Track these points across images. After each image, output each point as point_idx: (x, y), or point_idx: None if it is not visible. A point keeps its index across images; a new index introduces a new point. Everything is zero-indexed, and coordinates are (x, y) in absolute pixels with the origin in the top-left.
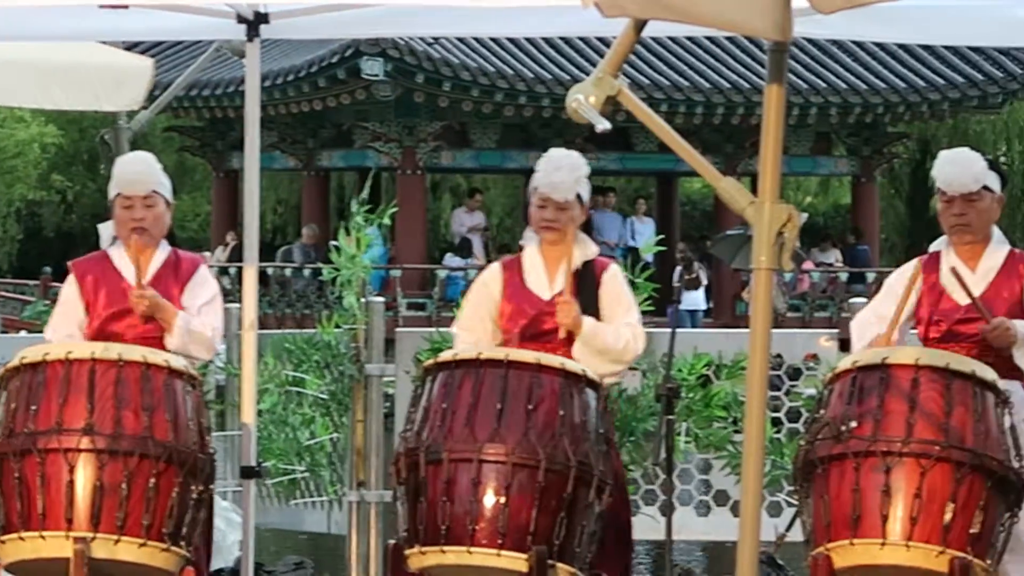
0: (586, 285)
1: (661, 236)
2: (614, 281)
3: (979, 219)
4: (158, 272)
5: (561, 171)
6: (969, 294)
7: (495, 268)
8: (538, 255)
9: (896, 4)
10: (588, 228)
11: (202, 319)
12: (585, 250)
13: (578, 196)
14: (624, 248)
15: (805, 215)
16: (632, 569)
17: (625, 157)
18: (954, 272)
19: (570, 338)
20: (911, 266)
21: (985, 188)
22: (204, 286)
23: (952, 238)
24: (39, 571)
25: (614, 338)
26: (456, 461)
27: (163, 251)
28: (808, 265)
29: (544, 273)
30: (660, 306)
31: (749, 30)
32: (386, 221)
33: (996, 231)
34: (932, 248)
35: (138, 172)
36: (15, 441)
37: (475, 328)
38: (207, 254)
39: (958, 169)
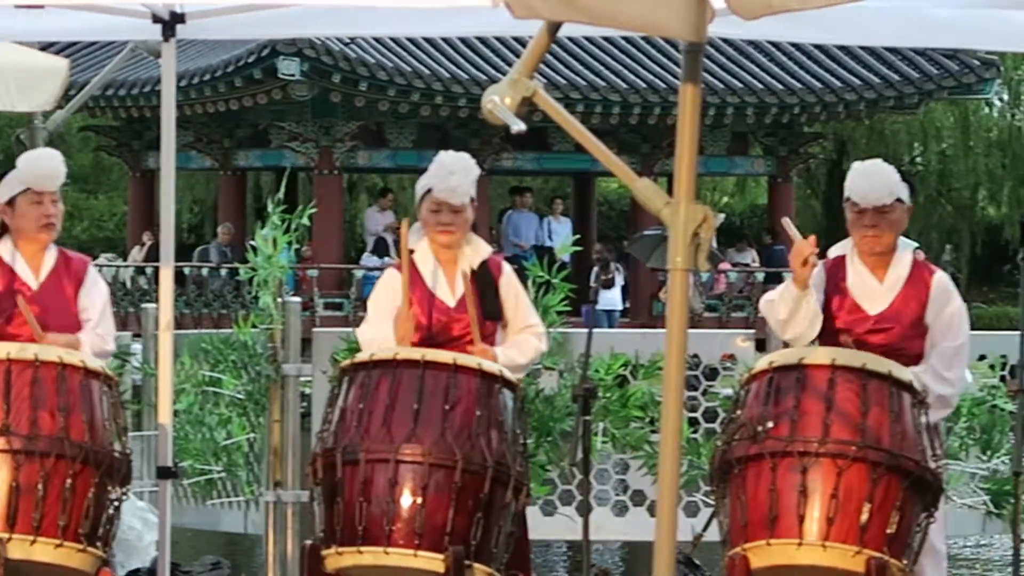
0: (485, 287)
1: (577, 236)
2: (511, 282)
3: (890, 230)
4: (52, 272)
5: (456, 175)
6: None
7: (392, 274)
8: (432, 257)
9: (813, 4)
10: (486, 229)
11: (101, 333)
12: (478, 250)
13: (471, 198)
14: (535, 246)
15: (722, 215)
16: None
17: (542, 157)
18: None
19: (484, 339)
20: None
21: (898, 200)
22: (97, 287)
23: (861, 247)
24: None
25: (524, 354)
26: (373, 461)
27: (52, 251)
28: (725, 265)
29: (443, 278)
30: (577, 306)
31: (663, 31)
32: (305, 222)
33: (900, 239)
34: (833, 252)
35: (51, 168)
36: None
37: (383, 324)
38: (110, 255)
39: (873, 182)
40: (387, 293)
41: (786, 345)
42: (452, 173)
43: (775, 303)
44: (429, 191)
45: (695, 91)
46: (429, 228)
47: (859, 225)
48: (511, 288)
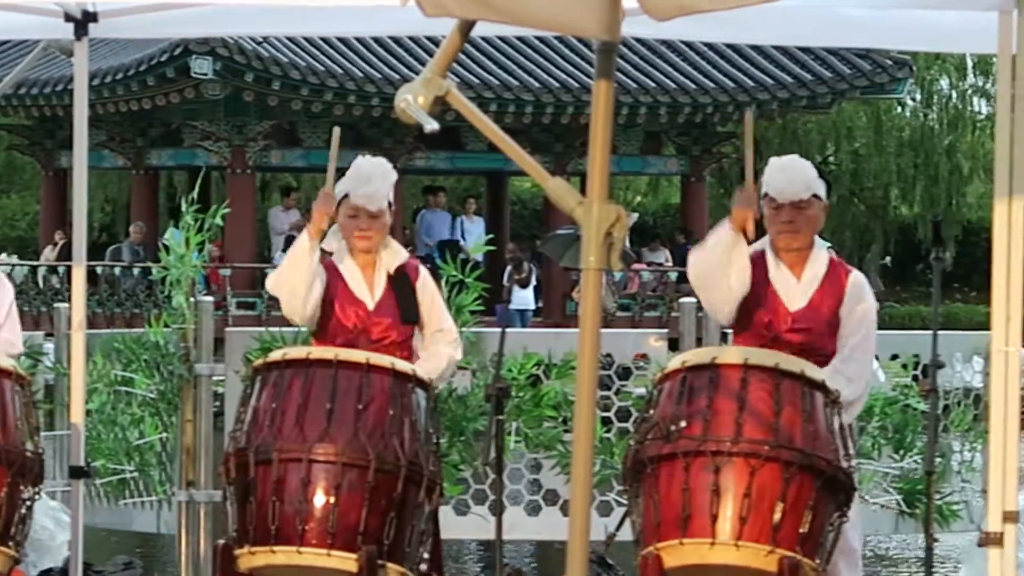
0: (403, 290)
1: (491, 236)
2: (427, 285)
3: (807, 226)
4: None
5: (373, 180)
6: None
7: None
8: (351, 261)
9: (726, 4)
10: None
11: (7, 336)
12: (395, 253)
13: (388, 203)
14: (444, 241)
15: (635, 215)
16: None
17: (455, 156)
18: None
19: (402, 342)
20: None
21: (815, 196)
22: (3, 288)
23: (778, 243)
24: None
25: (438, 366)
26: (286, 461)
27: None
28: (639, 265)
29: (363, 281)
30: (490, 305)
31: (577, 30)
32: (218, 221)
33: (816, 237)
34: (752, 248)
35: None
36: None
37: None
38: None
39: (790, 176)
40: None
41: (699, 345)
42: (369, 179)
43: (705, 252)
44: (346, 196)
45: (608, 91)
46: (347, 233)
47: (776, 221)
48: (427, 291)
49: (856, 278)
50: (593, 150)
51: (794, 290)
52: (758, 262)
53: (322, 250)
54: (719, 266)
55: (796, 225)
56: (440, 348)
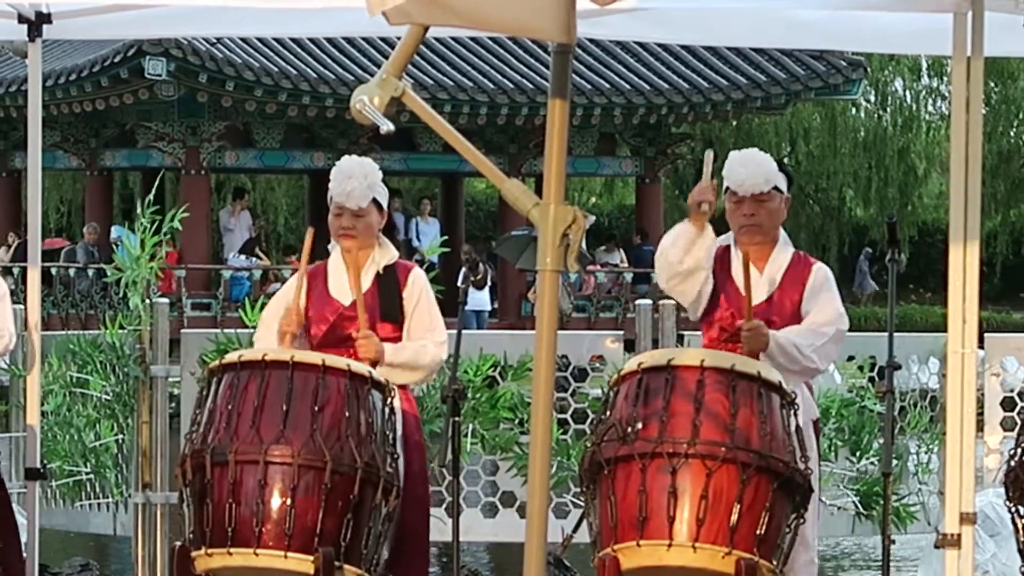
0: (389, 289)
1: (445, 237)
2: (416, 288)
3: (769, 219)
4: None
5: (353, 179)
6: (747, 287)
7: (294, 280)
8: (340, 261)
9: (679, 5)
10: (391, 229)
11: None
12: (386, 254)
13: (374, 201)
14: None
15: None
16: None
17: (409, 157)
18: (744, 259)
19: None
20: None
21: (775, 188)
22: None
23: (741, 239)
24: None
25: (418, 356)
26: (242, 463)
27: None
28: (594, 266)
29: (346, 278)
30: (446, 308)
31: (534, 33)
32: (176, 225)
33: (782, 233)
34: (718, 242)
35: None
36: None
37: (271, 327)
38: None
39: (750, 169)
40: (280, 298)
41: (655, 346)
42: (349, 177)
43: (668, 249)
44: (331, 197)
45: (564, 92)
46: (333, 233)
47: (737, 214)
48: (415, 294)
49: (819, 269)
50: (549, 152)
51: (756, 283)
52: (722, 257)
53: (327, 250)
54: (686, 252)
55: (758, 218)
56: (427, 344)
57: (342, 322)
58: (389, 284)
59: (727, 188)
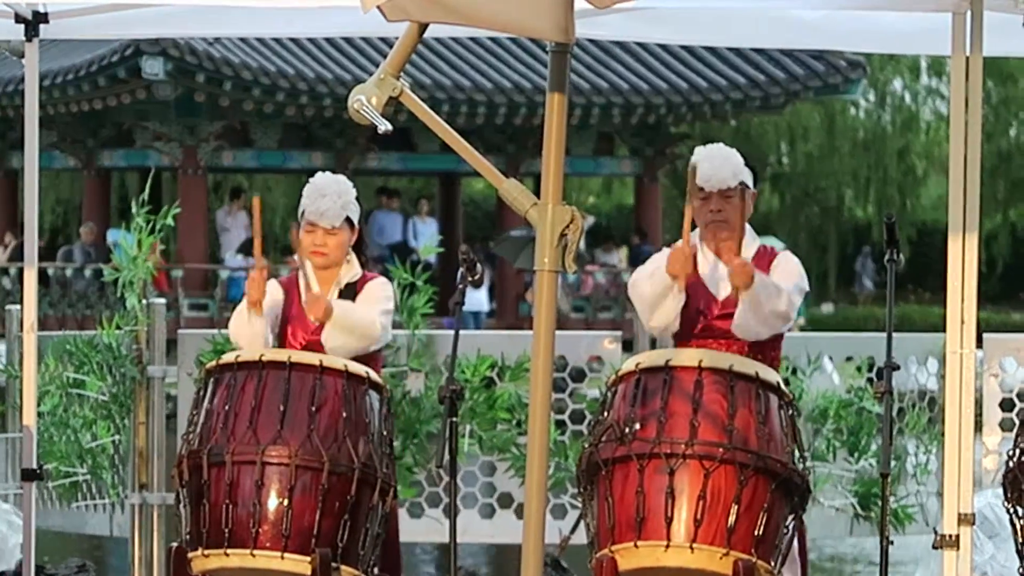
0: (347, 299)
1: (440, 237)
2: (367, 292)
3: (735, 214)
4: None
5: (327, 198)
6: (686, 235)
7: (274, 284)
8: (312, 277)
9: (679, 5)
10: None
11: None
12: (350, 271)
13: (347, 220)
14: (395, 244)
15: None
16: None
17: (407, 157)
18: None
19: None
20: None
21: (742, 184)
22: None
23: (707, 235)
24: None
25: (361, 315)
26: (239, 463)
27: None
28: (592, 266)
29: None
30: (443, 309)
31: (532, 32)
32: (169, 222)
33: (748, 228)
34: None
35: None
36: None
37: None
38: None
39: (716, 164)
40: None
41: (653, 346)
42: (323, 196)
43: (643, 283)
44: (303, 212)
45: (562, 93)
46: (304, 249)
47: (704, 211)
48: (366, 293)
49: (785, 255)
50: (547, 152)
51: (723, 278)
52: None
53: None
54: (657, 300)
55: (724, 214)
56: (370, 308)
57: (316, 343)
58: (349, 296)
59: (694, 184)
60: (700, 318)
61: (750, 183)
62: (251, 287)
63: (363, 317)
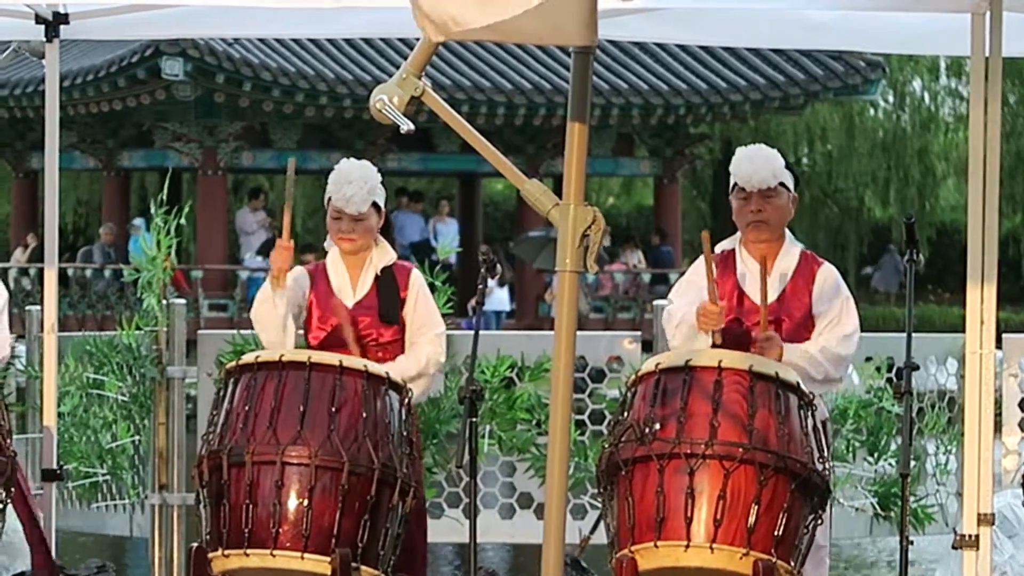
0: (387, 290)
1: (455, 238)
2: (415, 286)
3: (776, 216)
4: None
5: (352, 184)
6: (763, 299)
7: (301, 271)
8: (340, 262)
9: (698, 6)
10: (389, 229)
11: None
12: (384, 254)
13: (374, 204)
14: (415, 243)
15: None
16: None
17: (427, 158)
18: (763, 265)
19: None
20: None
21: (782, 185)
22: None
23: (748, 236)
24: None
25: (415, 364)
26: (259, 463)
27: None
28: (617, 266)
29: (348, 280)
30: (463, 308)
31: (561, 40)
32: (183, 221)
33: (788, 232)
34: (721, 247)
35: None
36: None
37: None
38: None
39: (757, 165)
40: (295, 288)
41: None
42: (349, 182)
43: (671, 325)
44: (329, 199)
45: (585, 92)
46: (332, 234)
47: (745, 211)
48: (413, 295)
49: (827, 270)
50: (569, 153)
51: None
52: (726, 261)
53: (323, 249)
54: (682, 342)
55: (765, 214)
56: (420, 347)
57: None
58: (388, 286)
59: (734, 184)
60: (738, 325)
61: (791, 185)
62: (277, 256)
63: (420, 363)
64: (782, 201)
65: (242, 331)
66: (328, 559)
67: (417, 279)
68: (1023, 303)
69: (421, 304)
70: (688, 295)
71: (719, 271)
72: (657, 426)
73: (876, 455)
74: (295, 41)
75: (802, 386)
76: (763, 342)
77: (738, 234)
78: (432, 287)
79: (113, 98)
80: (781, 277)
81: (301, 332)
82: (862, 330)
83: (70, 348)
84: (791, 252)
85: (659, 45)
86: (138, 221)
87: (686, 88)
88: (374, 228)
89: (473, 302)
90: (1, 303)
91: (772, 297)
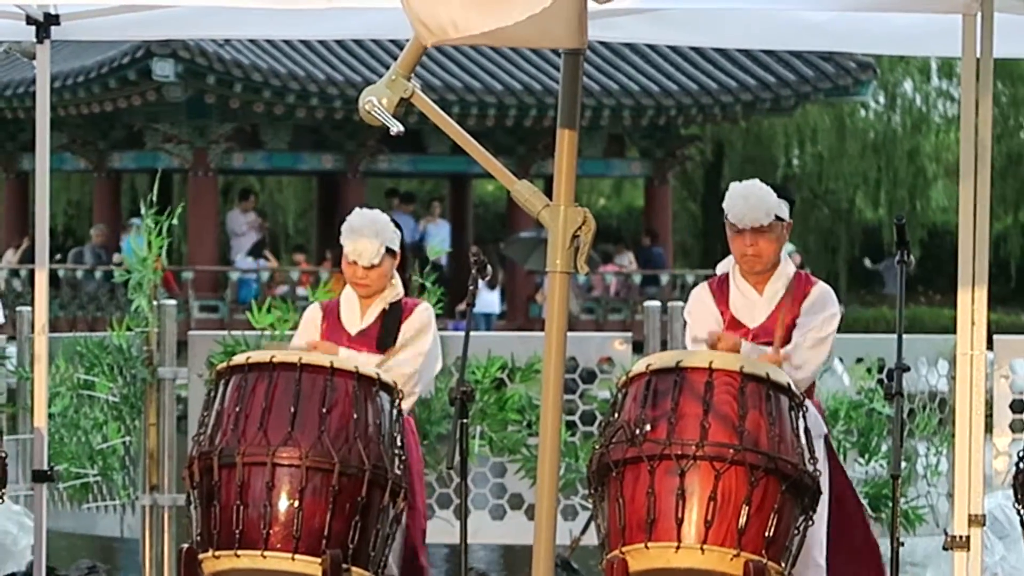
0: (391, 321)
1: (446, 239)
2: (416, 320)
3: (768, 250)
4: None
5: (364, 239)
6: (782, 341)
7: (315, 307)
8: (354, 296)
9: (688, 7)
10: (405, 264)
11: None
12: (394, 292)
13: (388, 250)
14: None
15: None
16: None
17: (418, 159)
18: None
19: None
20: (701, 295)
21: (776, 218)
22: None
23: (742, 267)
24: None
25: (407, 366)
26: (250, 465)
27: None
28: (610, 268)
29: (357, 311)
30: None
31: (553, 43)
32: (174, 222)
33: (783, 255)
34: (720, 268)
35: None
36: None
37: None
38: None
39: (751, 204)
40: (305, 329)
41: (664, 347)
42: (360, 237)
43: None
44: (343, 249)
45: (575, 93)
46: (347, 278)
47: (738, 244)
48: (415, 323)
49: (820, 289)
50: (560, 155)
51: (757, 305)
52: (721, 287)
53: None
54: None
55: (758, 248)
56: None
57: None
58: (393, 317)
59: (728, 219)
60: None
61: (785, 215)
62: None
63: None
64: (775, 234)
65: (232, 332)
66: (319, 560)
67: (424, 311)
68: (1014, 304)
69: (416, 327)
70: (705, 322)
71: (715, 296)
72: (648, 427)
73: (867, 456)
74: (286, 42)
75: (793, 387)
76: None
77: (732, 258)
78: (423, 288)
79: (104, 99)
80: (770, 299)
81: None
82: (854, 331)
83: (61, 349)
84: (784, 274)
85: (650, 46)
86: (136, 220)
87: (677, 89)
88: (388, 272)
89: (463, 305)
90: None
91: (763, 317)
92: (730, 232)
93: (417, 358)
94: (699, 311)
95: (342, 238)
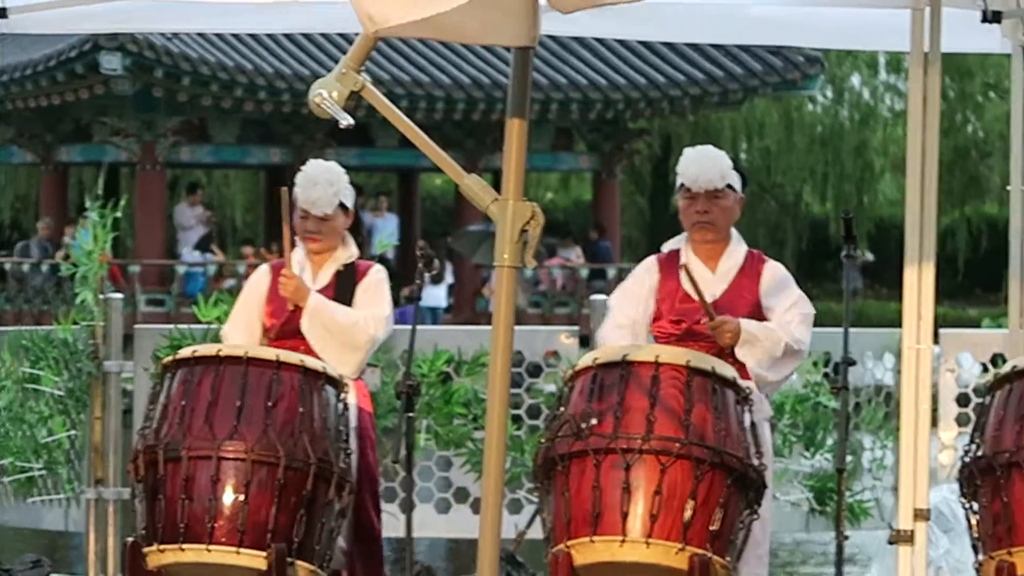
0: (345, 283)
1: (394, 233)
2: (371, 282)
3: (722, 217)
4: None
5: (318, 187)
6: (698, 292)
7: (263, 269)
8: (306, 259)
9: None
10: (358, 227)
11: None
12: (348, 252)
13: (341, 205)
14: None
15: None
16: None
17: (365, 153)
18: (685, 269)
19: None
20: (648, 266)
21: (729, 186)
22: None
23: (693, 236)
24: None
25: (343, 315)
26: (195, 458)
27: None
28: (556, 261)
29: (309, 274)
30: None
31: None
32: (118, 215)
33: (735, 232)
34: (667, 247)
35: None
36: None
37: (240, 328)
38: None
39: (705, 165)
40: (250, 292)
41: None
42: (315, 184)
43: (601, 339)
44: (295, 201)
45: (525, 88)
46: (299, 234)
47: (691, 211)
48: (370, 284)
49: (773, 267)
50: (508, 149)
51: (708, 282)
52: (671, 261)
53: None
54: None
55: (711, 216)
56: (357, 312)
57: (298, 315)
58: (346, 280)
59: (681, 184)
60: (682, 323)
61: (738, 186)
62: (284, 286)
63: (346, 317)
64: (728, 202)
65: (179, 326)
66: (264, 554)
67: (377, 272)
68: (961, 299)
69: (372, 290)
70: (626, 307)
71: (663, 272)
72: (594, 421)
73: (812, 450)
74: (234, 36)
75: (739, 381)
76: (713, 330)
77: (684, 234)
78: None
79: (51, 93)
80: (725, 275)
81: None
82: None
83: (6, 343)
84: (737, 251)
85: (598, 40)
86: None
87: (625, 83)
88: (340, 228)
89: (407, 291)
90: None
91: (716, 294)
92: (683, 201)
93: (380, 322)
94: (633, 289)
95: (296, 188)
